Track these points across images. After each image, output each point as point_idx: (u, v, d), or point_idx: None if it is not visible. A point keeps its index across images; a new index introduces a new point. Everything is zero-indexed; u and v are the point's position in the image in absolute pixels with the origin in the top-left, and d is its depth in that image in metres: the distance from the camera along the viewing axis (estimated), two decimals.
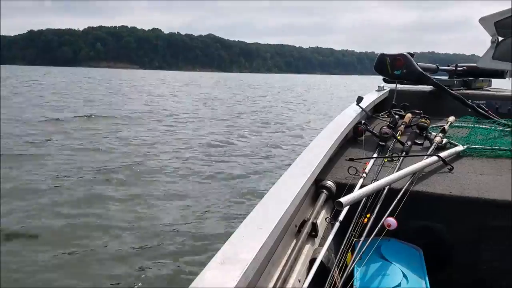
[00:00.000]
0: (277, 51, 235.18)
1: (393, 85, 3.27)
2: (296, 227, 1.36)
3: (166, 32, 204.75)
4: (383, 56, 3.08)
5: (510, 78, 3.71)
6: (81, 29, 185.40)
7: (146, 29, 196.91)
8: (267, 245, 1.02)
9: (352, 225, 1.38)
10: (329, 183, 1.61)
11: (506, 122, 2.48)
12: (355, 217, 1.41)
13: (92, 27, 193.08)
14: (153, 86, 33.26)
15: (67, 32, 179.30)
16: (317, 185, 1.62)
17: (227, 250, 0.96)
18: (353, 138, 2.33)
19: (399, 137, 2.16)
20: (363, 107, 2.58)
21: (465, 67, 3.63)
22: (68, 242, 3.79)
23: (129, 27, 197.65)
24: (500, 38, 1.46)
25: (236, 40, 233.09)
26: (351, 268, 1.22)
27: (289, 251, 1.23)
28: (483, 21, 1.49)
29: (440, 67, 3.56)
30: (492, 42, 1.49)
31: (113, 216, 4.42)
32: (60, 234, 3.96)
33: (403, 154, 1.94)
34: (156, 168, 6.49)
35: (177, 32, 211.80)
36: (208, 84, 42.92)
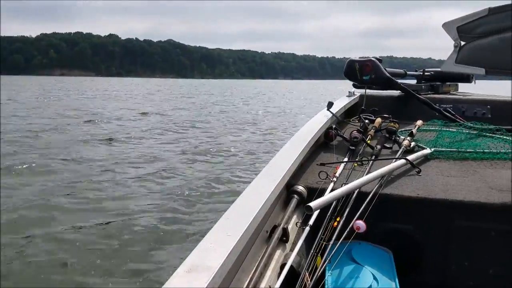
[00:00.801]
0: (240, 57, 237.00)
1: (363, 90, 3.40)
2: (267, 233, 1.39)
3: (123, 38, 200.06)
4: (352, 61, 3.21)
5: (476, 82, 3.91)
6: (33, 36, 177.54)
7: (103, 35, 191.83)
8: (236, 252, 1.03)
9: (322, 229, 1.41)
10: (300, 188, 1.65)
11: (472, 125, 2.61)
12: (325, 221, 1.44)
13: (46, 33, 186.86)
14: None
15: (19, 39, 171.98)
16: (288, 190, 1.65)
17: (195, 257, 0.96)
18: (324, 143, 2.40)
19: (369, 141, 2.24)
20: (334, 112, 2.66)
21: (432, 72, 3.83)
22: None
23: (84, 33, 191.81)
24: (462, 43, 1.53)
25: (198, 45, 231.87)
26: (320, 271, 1.25)
27: (260, 257, 1.24)
28: (446, 26, 1.57)
29: (408, 72, 3.74)
30: (455, 46, 1.57)
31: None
32: None
33: (373, 157, 2.02)
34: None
35: (135, 38, 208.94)
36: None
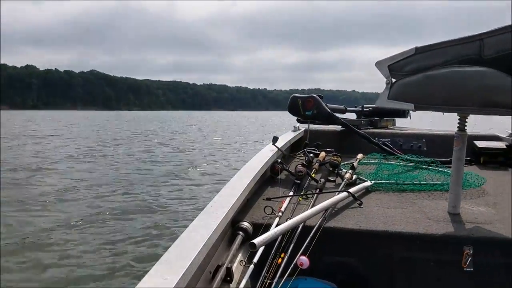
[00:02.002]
0: (170, 88, 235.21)
1: (307, 125, 3.61)
2: (211, 274, 1.38)
3: (42, 69, 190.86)
4: (295, 97, 3.44)
5: (411, 117, 4.26)
6: None
7: (19, 66, 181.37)
8: None
9: (266, 266, 1.43)
10: (246, 224, 1.67)
11: (409, 157, 2.85)
12: (270, 257, 1.47)
13: None
14: None
15: None
16: (233, 226, 1.67)
17: None
18: (270, 177, 2.50)
19: (313, 175, 2.39)
20: (279, 146, 2.80)
21: (370, 108, 4.17)
22: None
23: None
24: (393, 80, 1.69)
25: (124, 76, 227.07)
26: None
27: None
28: (378, 64, 1.74)
29: (348, 108, 4.04)
30: (387, 83, 1.74)
31: None
32: None
33: (317, 191, 2.13)
34: None
35: (55, 69, 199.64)
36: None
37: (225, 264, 1.39)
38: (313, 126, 3.65)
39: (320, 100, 3.40)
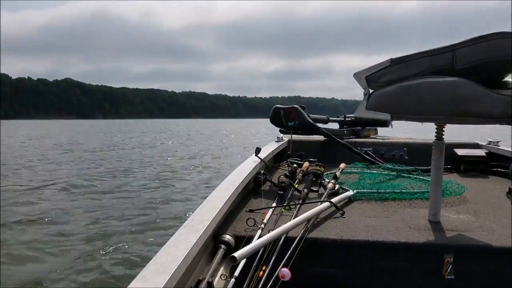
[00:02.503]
0: (148, 96, 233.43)
1: (290, 136, 3.67)
2: None
3: (14, 77, 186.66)
4: (277, 108, 3.50)
5: (392, 126, 4.36)
6: None
7: None
8: None
9: (247, 280, 1.43)
10: (227, 237, 1.66)
11: (390, 166, 2.94)
12: (251, 271, 1.47)
13: None
14: None
15: None
16: (215, 240, 1.67)
17: None
18: (253, 188, 2.53)
19: (297, 185, 2.43)
20: (262, 157, 2.84)
21: (352, 118, 4.26)
22: None
23: None
24: (371, 91, 1.74)
25: (100, 84, 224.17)
26: None
27: None
28: (356, 76, 1.80)
29: (330, 118, 4.13)
30: (364, 94, 1.79)
31: None
32: None
33: (300, 201, 2.15)
34: None
35: (28, 77, 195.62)
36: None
37: (206, 279, 1.39)
38: (296, 136, 3.73)
39: (302, 111, 3.48)
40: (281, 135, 3.84)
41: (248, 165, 2.63)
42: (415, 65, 1.63)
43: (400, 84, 1.64)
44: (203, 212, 1.71)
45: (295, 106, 3.51)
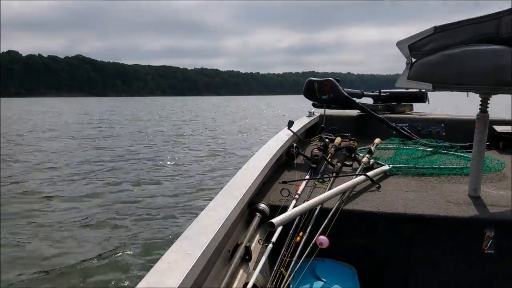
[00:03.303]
0: (160, 73, 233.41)
1: (322, 110, 3.71)
2: (229, 252, 1.45)
3: (24, 54, 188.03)
4: (311, 81, 3.51)
5: (429, 102, 4.31)
6: None
7: (0, 52, 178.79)
8: (195, 272, 1.06)
9: (285, 245, 1.50)
10: (263, 205, 1.74)
11: (427, 142, 2.94)
12: (288, 237, 1.54)
13: None
14: None
15: None
16: (251, 208, 1.75)
17: (151, 278, 0.98)
18: (286, 161, 2.60)
19: (329, 159, 2.48)
20: (295, 131, 2.87)
21: (388, 93, 4.27)
22: None
23: None
24: (413, 60, 1.74)
25: (111, 61, 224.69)
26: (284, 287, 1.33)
27: (222, 277, 1.29)
28: (399, 44, 1.80)
29: (365, 93, 4.13)
30: (407, 63, 1.79)
31: None
32: None
33: (334, 175, 2.21)
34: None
35: (38, 54, 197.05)
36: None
37: (244, 243, 1.46)
38: (329, 111, 3.75)
39: (337, 84, 3.50)
40: (313, 109, 3.86)
41: (280, 138, 2.69)
42: (459, 33, 1.64)
43: (443, 52, 1.66)
44: (239, 180, 1.79)
45: (330, 78, 3.53)
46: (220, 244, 1.30)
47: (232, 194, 1.59)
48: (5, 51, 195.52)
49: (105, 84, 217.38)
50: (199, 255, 1.08)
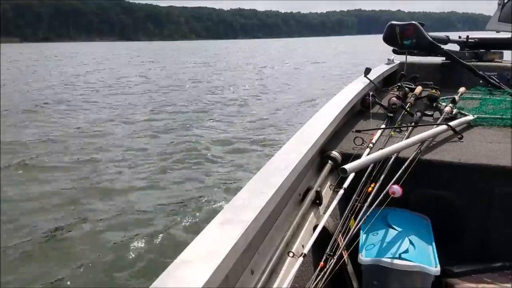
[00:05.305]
0: (193, 15, 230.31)
1: (402, 57, 3.76)
2: (300, 195, 1.58)
3: None
4: (392, 25, 3.54)
5: None
6: None
7: None
8: (268, 209, 1.19)
9: (356, 192, 1.59)
10: (334, 153, 1.88)
11: None
12: (360, 184, 1.63)
13: None
14: None
15: None
16: (323, 155, 1.89)
17: (227, 212, 1.11)
18: (360, 110, 2.71)
19: (408, 109, 2.57)
20: (372, 79, 2.98)
21: (476, 39, 4.26)
22: None
23: None
24: (505, 0, 1.66)
25: (143, 3, 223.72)
26: (354, 233, 1.42)
27: (293, 217, 1.43)
28: None
29: (451, 38, 4.02)
30: (499, 4, 1.71)
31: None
32: None
33: (412, 124, 2.27)
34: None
35: None
36: None
37: (315, 188, 1.58)
38: (410, 58, 3.80)
39: (421, 28, 3.55)
40: (393, 56, 3.91)
41: (356, 86, 2.80)
42: None
43: None
44: (310, 128, 1.91)
45: (414, 22, 3.56)
46: (292, 186, 1.43)
47: (303, 141, 1.71)
48: None
49: (136, 27, 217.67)
50: (271, 195, 1.21)
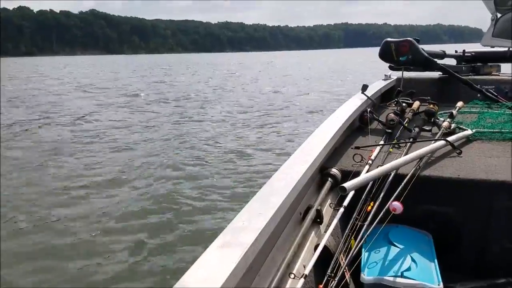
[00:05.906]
0: (180, 28, 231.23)
1: (399, 73, 3.82)
2: (301, 215, 1.60)
3: (36, 10, 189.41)
4: (387, 42, 3.61)
5: None
6: None
7: (10, 8, 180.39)
8: (268, 230, 1.20)
9: (357, 210, 1.62)
10: (334, 170, 1.89)
11: None
12: (360, 202, 1.65)
13: None
14: None
15: None
16: (322, 173, 1.92)
17: (227, 234, 1.11)
18: (359, 127, 2.76)
19: (406, 125, 2.63)
20: (369, 95, 3.03)
21: (473, 53, 4.29)
22: None
23: None
24: (499, 15, 1.70)
25: (129, 16, 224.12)
26: (355, 252, 1.43)
27: (294, 237, 1.43)
28: None
29: (447, 53, 4.06)
30: (492, 20, 1.75)
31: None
32: None
33: (410, 140, 2.32)
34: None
35: (50, 10, 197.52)
36: None
37: (315, 206, 1.60)
38: (407, 74, 3.86)
39: (416, 44, 3.63)
40: (390, 72, 3.98)
41: (354, 103, 2.86)
42: None
43: None
44: (309, 146, 1.93)
45: (409, 39, 3.64)
46: (292, 206, 1.45)
47: (303, 159, 1.73)
48: (16, 7, 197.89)
49: (121, 40, 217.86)
50: (271, 215, 1.22)
